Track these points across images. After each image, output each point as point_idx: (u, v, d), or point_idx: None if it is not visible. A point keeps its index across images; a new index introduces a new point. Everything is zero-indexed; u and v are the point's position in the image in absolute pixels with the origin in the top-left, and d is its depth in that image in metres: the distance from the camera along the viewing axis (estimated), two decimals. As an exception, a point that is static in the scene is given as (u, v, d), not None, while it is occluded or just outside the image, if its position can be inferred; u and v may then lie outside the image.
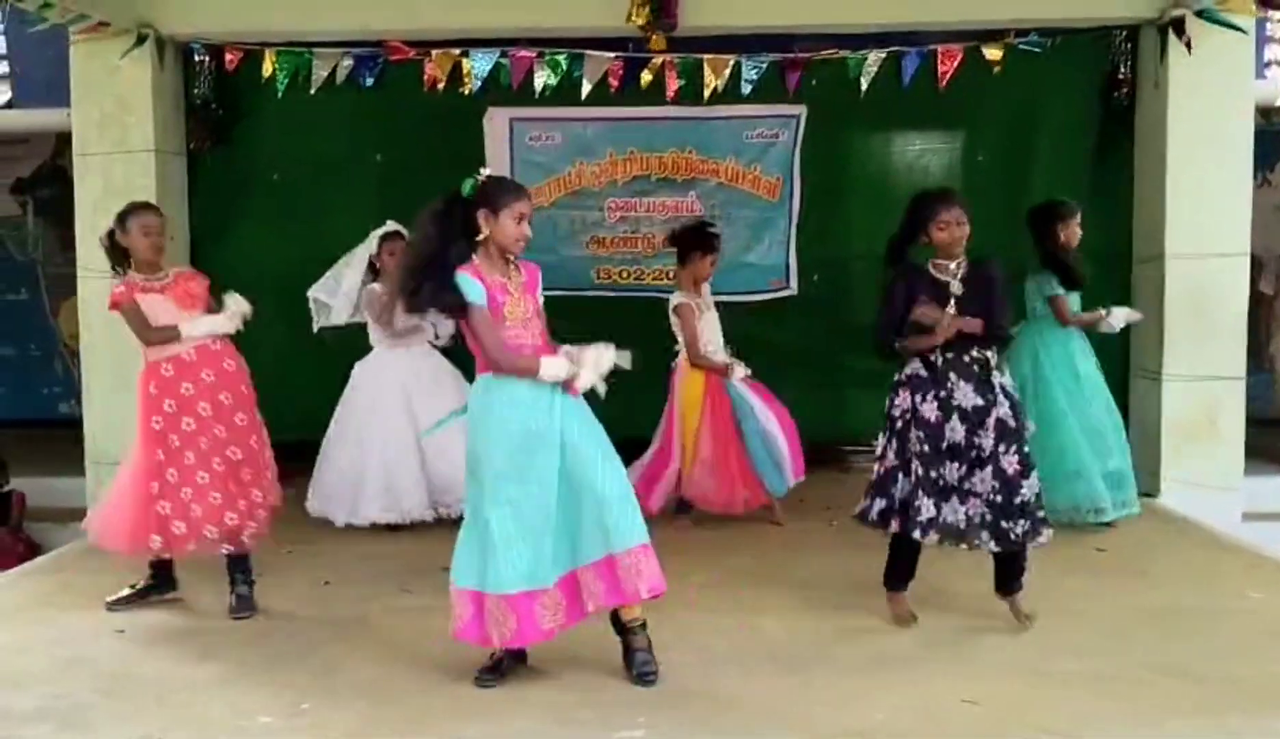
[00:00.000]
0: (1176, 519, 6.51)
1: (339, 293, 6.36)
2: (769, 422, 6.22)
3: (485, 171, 4.01)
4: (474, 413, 4.03)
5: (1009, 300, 4.66)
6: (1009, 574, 4.61)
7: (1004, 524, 4.44)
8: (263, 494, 4.91)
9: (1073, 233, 6.10)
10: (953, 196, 4.65)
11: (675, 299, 6.26)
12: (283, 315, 6.51)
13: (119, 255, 4.92)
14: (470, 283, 3.91)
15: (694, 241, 6.28)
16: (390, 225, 6.33)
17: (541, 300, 4.11)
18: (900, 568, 4.72)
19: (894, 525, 4.58)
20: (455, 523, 6.03)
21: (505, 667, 4.09)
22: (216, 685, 4.11)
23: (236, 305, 4.90)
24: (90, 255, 6.95)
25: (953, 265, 4.55)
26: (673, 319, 6.24)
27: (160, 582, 5.07)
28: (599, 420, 4.09)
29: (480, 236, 3.95)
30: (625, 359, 4.05)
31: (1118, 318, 6.27)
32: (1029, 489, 4.47)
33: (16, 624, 4.84)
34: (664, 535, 5.46)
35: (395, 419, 6.22)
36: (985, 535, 4.45)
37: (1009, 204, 7.30)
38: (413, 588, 5.27)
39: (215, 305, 4.95)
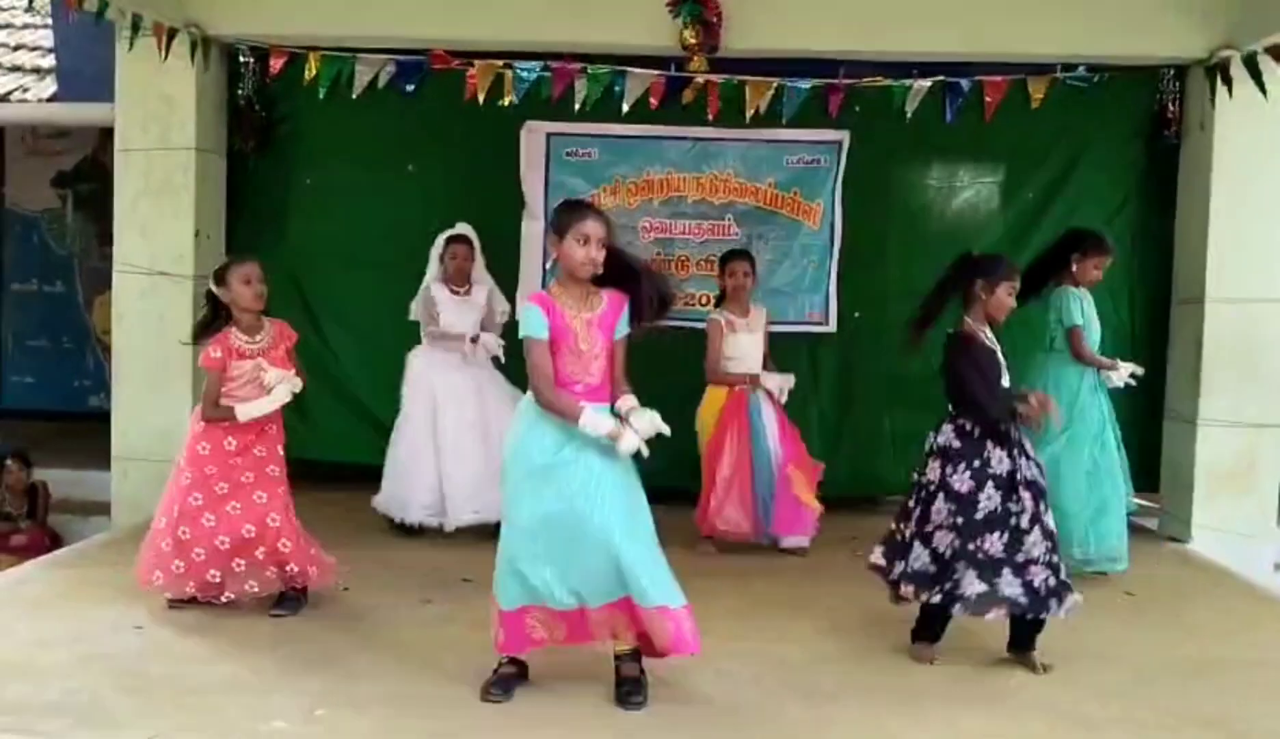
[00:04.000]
0: (1208, 566, 6.41)
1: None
2: (778, 456, 6.17)
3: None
4: (511, 428, 4.07)
5: None
6: (1029, 634, 4.51)
7: (1051, 584, 4.35)
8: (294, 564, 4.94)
9: (1087, 272, 5.93)
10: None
11: (710, 315, 6.35)
12: (303, 323, 6.50)
13: (216, 310, 4.96)
14: (530, 312, 3.95)
15: (724, 256, 6.52)
16: (459, 228, 6.47)
17: (622, 335, 4.03)
18: (932, 630, 4.60)
19: (930, 597, 4.43)
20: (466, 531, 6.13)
21: (511, 682, 4.06)
22: (232, 688, 4.09)
23: (288, 384, 4.91)
24: (127, 251, 7.01)
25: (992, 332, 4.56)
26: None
27: None
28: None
29: (550, 262, 4.03)
30: (666, 428, 3.94)
31: (1123, 372, 5.99)
32: (1054, 553, 4.41)
33: (37, 617, 4.83)
34: (688, 562, 5.43)
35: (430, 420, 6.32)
36: (1054, 604, 4.34)
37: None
38: (433, 598, 5.25)
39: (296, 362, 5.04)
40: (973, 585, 4.30)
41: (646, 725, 3.84)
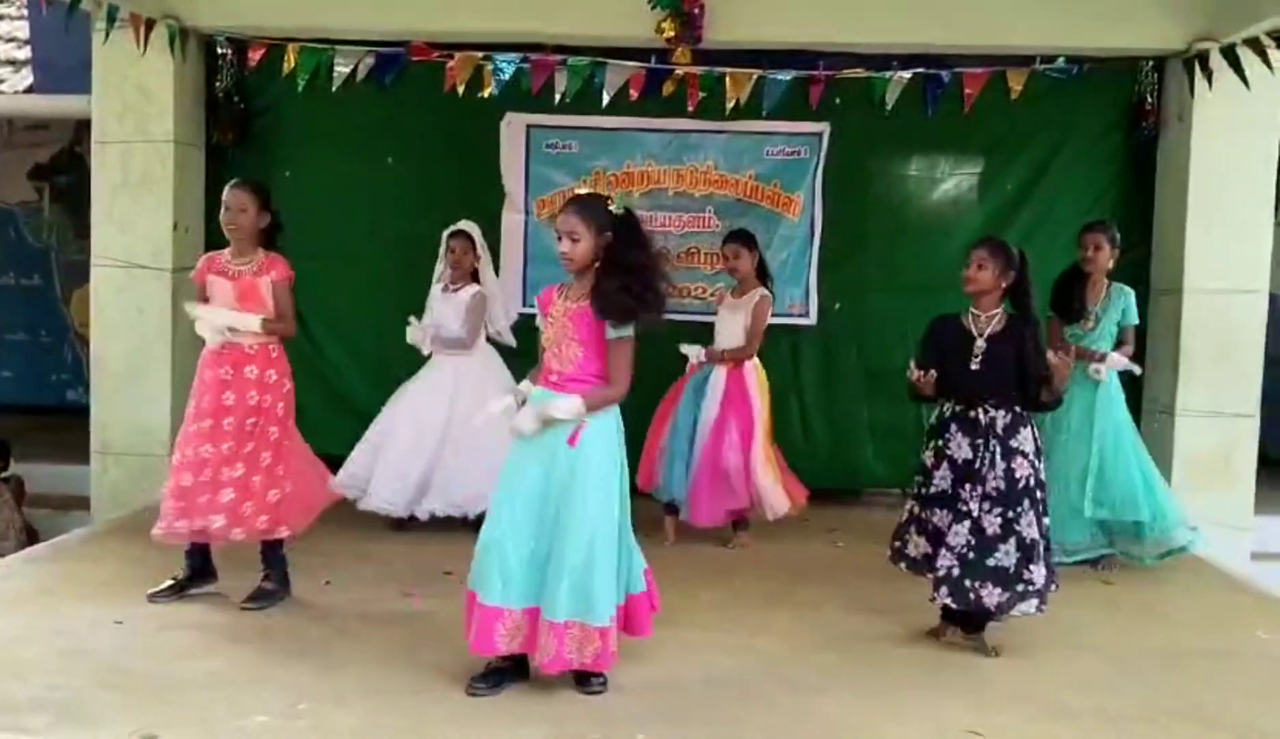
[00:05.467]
0: (1186, 556, 6.44)
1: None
2: (704, 427, 6.18)
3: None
4: None
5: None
6: (971, 622, 4.65)
7: (968, 583, 4.45)
8: (269, 496, 4.89)
9: (1087, 256, 5.93)
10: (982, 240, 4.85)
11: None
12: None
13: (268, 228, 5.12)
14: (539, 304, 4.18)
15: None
16: (460, 224, 6.42)
17: (617, 335, 3.98)
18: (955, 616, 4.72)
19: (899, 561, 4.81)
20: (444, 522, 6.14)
21: (501, 678, 4.06)
22: (214, 683, 4.07)
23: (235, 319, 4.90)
24: (105, 244, 6.97)
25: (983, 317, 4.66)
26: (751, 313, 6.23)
27: (195, 574, 5.04)
28: None
29: None
30: (530, 428, 3.95)
31: (1112, 363, 5.97)
32: (1007, 555, 4.44)
33: (16, 613, 4.80)
34: (668, 554, 5.43)
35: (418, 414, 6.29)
36: (944, 590, 4.50)
37: (1032, 231, 7.30)
38: (414, 591, 5.25)
39: (287, 299, 5.01)
40: (918, 547, 4.68)
41: (629, 717, 3.84)
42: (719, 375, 6.22)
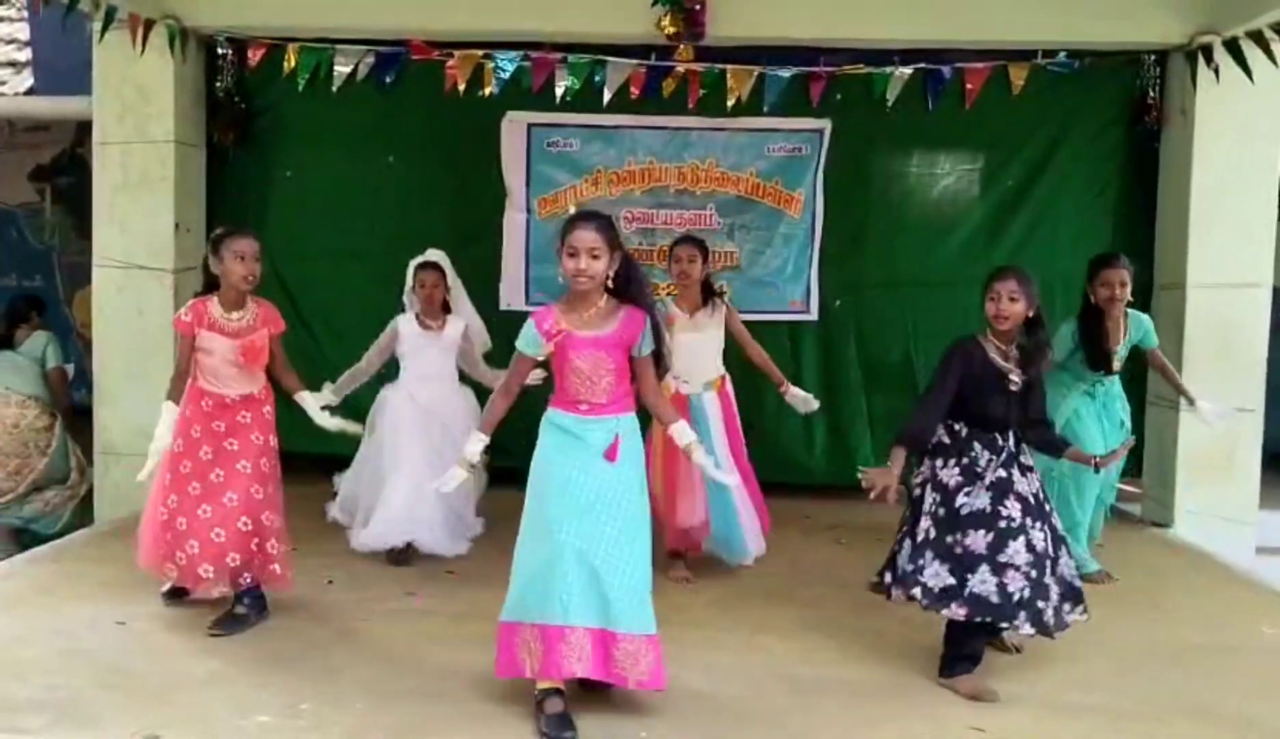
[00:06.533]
0: (1190, 551, 6.44)
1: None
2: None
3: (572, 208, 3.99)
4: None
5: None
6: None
7: (1039, 604, 4.12)
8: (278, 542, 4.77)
9: (1110, 289, 5.62)
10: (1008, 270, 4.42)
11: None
12: (286, 315, 6.45)
13: (210, 281, 4.83)
14: (526, 328, 3.94)
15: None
16: (429, 254, 5.94)
17: (648, 351, 3.94)
18: (968, 652, 4.30)
19: (895, 594, 4.34)
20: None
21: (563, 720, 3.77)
22: (215, 682, 4.07)
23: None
24: (106, 244, 6.97)
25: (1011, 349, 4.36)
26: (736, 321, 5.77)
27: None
28: None
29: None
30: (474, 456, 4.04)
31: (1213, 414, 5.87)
32: (1064, 566, 4.28)
33: (17, 613, 4.80)
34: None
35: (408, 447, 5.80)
36: (1023, 616, 4.10)
37: (1033, 227, 7.30)
38: (416, 591, 5.24)
39: (281, 352, 4.93)
40: (939, 578, 4.17)
41: (631, 718, 3.83)
42: (710, 400, 5.59)
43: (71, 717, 3.74)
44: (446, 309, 5.96)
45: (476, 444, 4.03)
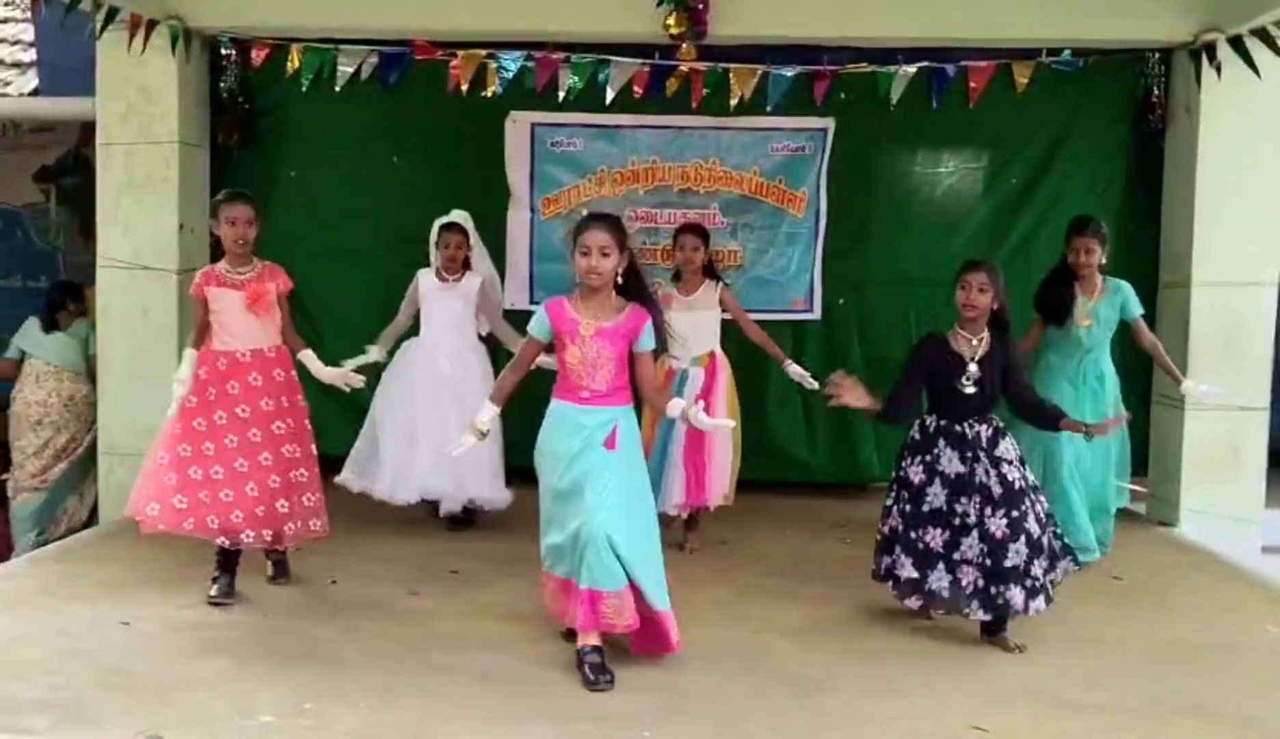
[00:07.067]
0: (1195, 550, 6.43)
1: None
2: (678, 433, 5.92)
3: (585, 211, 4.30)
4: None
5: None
6: (993, 624, 4.63)
7: (993, 590, 4.47)
8: (295, 501, 5.02)
9: (1077, 255, 5.84)
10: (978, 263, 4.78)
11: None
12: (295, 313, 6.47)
13: (218, 243, 5.12)
14: (536, 314, 4.29)
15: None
16: (453, 215, 6.37)
17: (649, 347, 4.26)
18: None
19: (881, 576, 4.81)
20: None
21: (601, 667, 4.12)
22: (218, 682, 4.07)
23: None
24: (110, 245, 6.97)
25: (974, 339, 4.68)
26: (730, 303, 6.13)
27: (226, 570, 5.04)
28: None
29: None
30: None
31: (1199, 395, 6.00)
32: (1016, 555, 4.46)
33: (19, 613, 4.81)
34: (672, 552, 5.39)
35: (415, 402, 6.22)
36: (975, 605, 4.52)
37: (1037, 225, 7.28)
38: (420, 590, 5.24)
39: (288, 310, 5.16)
40: (906, 569, 4.62)
41: (634, 715, 3.83)
42: (696, 374, 5.97)
43: (74, 717, 3.74)
44: (467, 266, 6.33)
45: (487, 413, 4.35)
